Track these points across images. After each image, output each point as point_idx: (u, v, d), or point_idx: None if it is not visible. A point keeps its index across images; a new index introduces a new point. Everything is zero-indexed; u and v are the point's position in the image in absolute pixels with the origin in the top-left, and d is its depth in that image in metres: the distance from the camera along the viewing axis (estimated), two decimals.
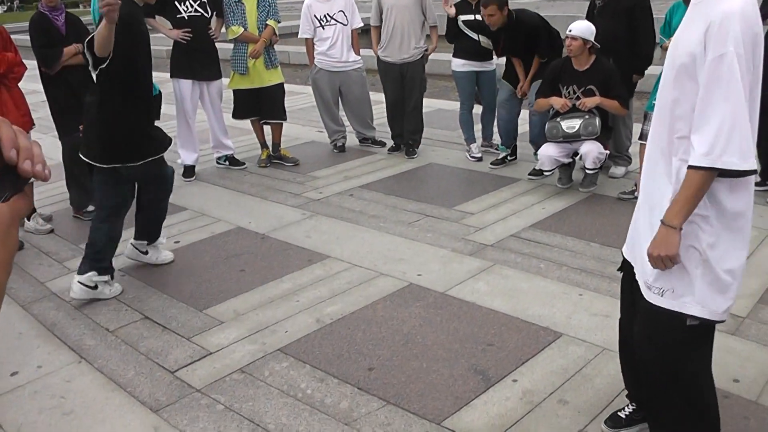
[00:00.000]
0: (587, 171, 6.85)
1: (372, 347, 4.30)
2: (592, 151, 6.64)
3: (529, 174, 7.44)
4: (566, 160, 6.94)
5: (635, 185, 6.69)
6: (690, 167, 2.56)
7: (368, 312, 4.72)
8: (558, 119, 6.72)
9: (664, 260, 2.68)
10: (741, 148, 2.46)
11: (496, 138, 8.33)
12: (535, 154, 7.55)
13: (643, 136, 6.48)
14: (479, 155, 8.14)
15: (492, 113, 8.29)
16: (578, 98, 6.64)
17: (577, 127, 6.61)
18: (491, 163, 7.85)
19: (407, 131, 8.48)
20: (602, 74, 6.60)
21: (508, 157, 7.91)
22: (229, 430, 3.54)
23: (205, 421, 3.62)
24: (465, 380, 3.94)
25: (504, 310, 4.69)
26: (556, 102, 6.71)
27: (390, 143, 8.76)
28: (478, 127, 8.40)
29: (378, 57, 8.33)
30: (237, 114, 8.22)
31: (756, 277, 5.00)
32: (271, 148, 8.40)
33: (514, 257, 5.47)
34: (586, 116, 6.60)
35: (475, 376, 3.97)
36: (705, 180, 2.54)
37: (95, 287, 4.97)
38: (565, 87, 6.73)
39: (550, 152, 6.83)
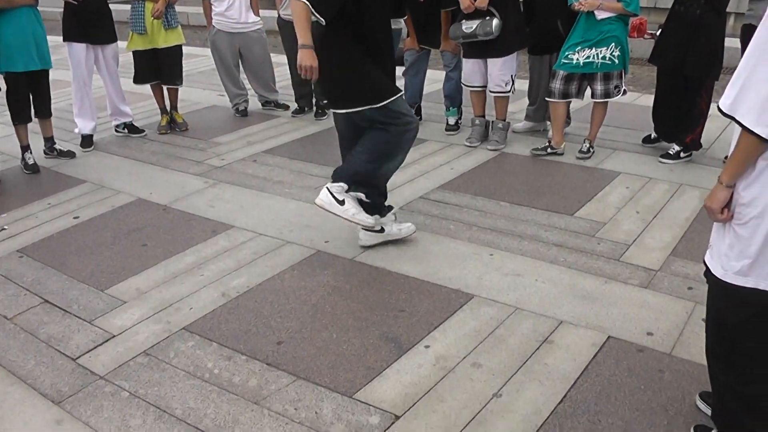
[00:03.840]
0: (495, 125, 6.94)
1: (280, 320, 4.19)
2: (492, 71, 6.86)
3: (446, 129, 7.61)
4: (479, 84, 7.06)
5: (548, 142, 6.72)
6: (740, 124, 2.46)
7: (275, 283, 4.60)
8: (462, 21, 6.76)
9: (708, 211, 2.68)
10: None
11: None
12: (448, 109, 7.52)
13: (551, 94, 6.49)
14: None
15: None
16: None
17: (474, 27, 6.65)
18: None
19: (317, 93, 8.33)
20: None
21: None
22: (135, 419, 3.39)
23: (109, 411, 3.46)
24: (377, 349, 3.87)
25: (414, 274, 4.63)
26: (462, 1, 6.69)
27: (294, 106, 8.60)
28: None
29: (279, 15, 8.13)
30: (138, 79, 7.95)
31: (668, 230, 5.07)
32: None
33: (423, 219, 5.41)
34: (486, 17, 6.62)
35: (386, 345, 3.90)
36: (753, 143, 2.43)
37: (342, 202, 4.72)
38: None
39: (467, 67, 7.05)
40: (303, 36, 4.36)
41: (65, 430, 3.35)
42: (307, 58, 4.39)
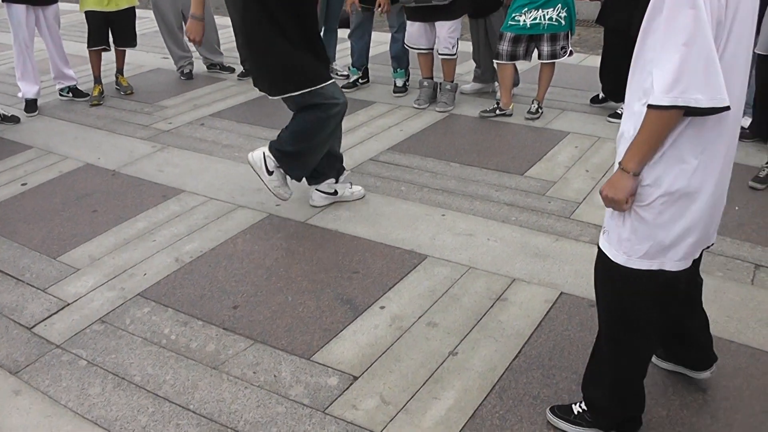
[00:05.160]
0: (444, 86, 7.01)
1: (235, 284, 4.20)
2: (441, 34, 6.85)
3: (394, 91, 7.61)
4: (425, 46, 7.03)
5: (497, 103, 6.77)
6: (648, 106, 2.29)
7: (228, 247, 4.60)
8: None
9: (610, 202, 2.51)
10: (708, 84, 2.20)
11: (342, 62, 8.29)
12: (396, 71, 7.52)
13: (498, 56, 6.52)
14: None
15: (334, 33, 8.16)
16: None
17: None
18: (342, 87, 7.73)
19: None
20: None
21: (360, 80, 7.85)
22: (94, 387, 3.39)
23: (68, 380, 3.45)
24: (332, 311, 3.90)
25: (367, 235, 4.67)
26: None
27: (239, 68, 8.52)
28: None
29: None
30: (93, 42, 7.67)
31: None
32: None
33: (374, 181, 5.44)
34: None
35: (342, 306, 3.94)
36: (663, 120, 2.29)
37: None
38: None
39: (412, 30, 7.00)
40: (195, 6, 4.87)
41: (24, 401, 3.34)
42: (193, 30, 4.97)
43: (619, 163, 2.47)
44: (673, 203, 2.45)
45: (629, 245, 2.56)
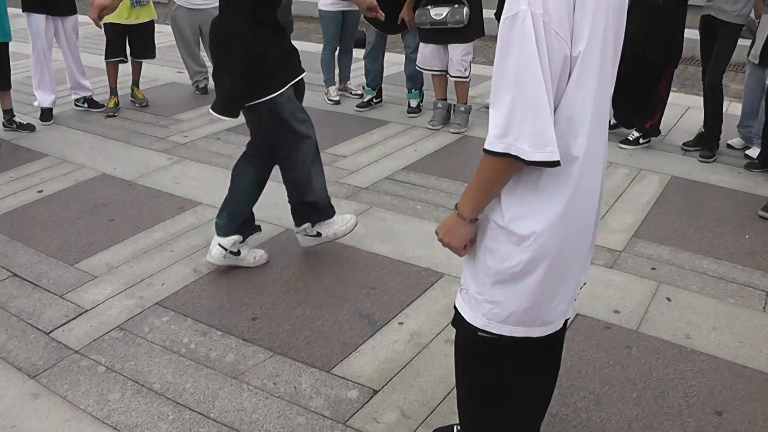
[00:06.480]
0: (457, 108, 7.04)
1: (254, 296, 4.22)
2: (454, 57, 6.92)
3: (408, 112, 7.65)
4: (438, 68, 7.10)
5: None
6: (484, 149, 2.06)
7: None
8: (428, 6, 6.78)
9: (446, 246, 2.32)
10: (533, 133, 1.95)
11: (355, 81, 8.36)
12: (410, 91, 7.58)
13: None
14: (337, 98, 8.13)
15: (350, 53, 8.25)
16: None
17: (444, 14, 6.69)
18: (357, 106, 7.84)
19: None
20: None
21: (374, 100, 7.91)
22: (113, 393, 3.41)
23: (86, 385, 3.47)
24: (351, 325, 3.93)
25: (384, 252, 4.69)
26: None
27: None
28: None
29: None
30: (111, 54, 7.74)
31: (630, 213, 5.21)
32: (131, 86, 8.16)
33: (390, 199, 5.47)
34: (455, 5, 6.68)
35: (360, 321, 3.96)
36: (497, 167, 2.06)
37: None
38: None
39: (425, 51, 7.06)
40: None
41: (43, 404, 3.35)
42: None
43: (456, 207, 2.25)
44: (534, 251, 2.18)
45: (490, 307, 2.32)
